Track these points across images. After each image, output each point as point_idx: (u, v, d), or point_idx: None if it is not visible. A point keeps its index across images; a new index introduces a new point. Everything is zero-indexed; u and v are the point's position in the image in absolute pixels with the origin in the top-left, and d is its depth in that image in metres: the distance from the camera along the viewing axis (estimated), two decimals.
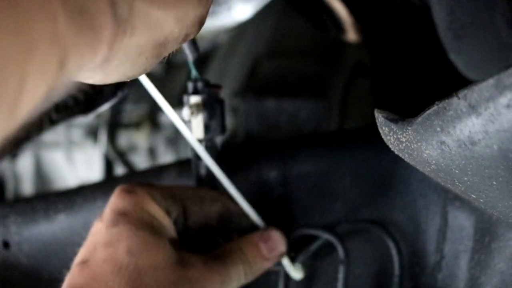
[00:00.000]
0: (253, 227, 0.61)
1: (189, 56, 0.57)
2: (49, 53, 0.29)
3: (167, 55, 0.44)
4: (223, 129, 0.60)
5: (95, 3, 0.34)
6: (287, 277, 0.61)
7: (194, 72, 0.58)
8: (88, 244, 0.53)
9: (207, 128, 0.59)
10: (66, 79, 0.32)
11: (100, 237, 0.52)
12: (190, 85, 0.59)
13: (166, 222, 0.55)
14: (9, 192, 1.26)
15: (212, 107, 0.59)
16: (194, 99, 0.58)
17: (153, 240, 0.52)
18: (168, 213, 0.55)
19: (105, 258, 0.51)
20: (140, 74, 0.43)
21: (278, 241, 0.59)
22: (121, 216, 0.53)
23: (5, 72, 0.26)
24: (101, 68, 0.38)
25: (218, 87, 0.60)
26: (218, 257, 0.56)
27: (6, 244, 0.71)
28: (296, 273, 0.60)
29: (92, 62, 0.36)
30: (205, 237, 0.61)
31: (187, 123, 0.59)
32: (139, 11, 0.38)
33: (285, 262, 0.60)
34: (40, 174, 1.24)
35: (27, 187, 1.25)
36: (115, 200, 0.54)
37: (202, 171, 0.61)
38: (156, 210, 0.54)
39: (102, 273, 0.50)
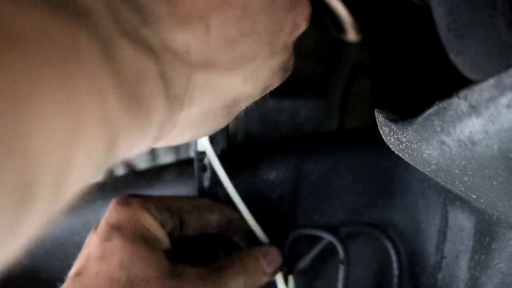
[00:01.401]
0: (253, 235, 0.61)
1: None
2: (97, 136, 0.28)
3: (242, 109, 0.42)
4: (228, 141, 0.61)
5: (148, 86, 0.32)
6: (286, 279, 0.61)
7: None
8: (82, 257, 0.54)
9: (212, 139, 0.59)
10: (116, 159, 0.31)
11: (94, 250, 0.53)
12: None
13: (160, 234, 0.55)
14: None
15: None
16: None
17: (145, 253, 0.53)
18: (162, 225, 0.56)
19: (97, 271, 0.51)
20: (210, 133, 0.42)
21: (275, 256, 0.60)
22: (115, 229, 0.54)
23: (50, 154, 0.25)
24: (160, 139, 0.36)
25: None
26: (215, 269, 0.56)
27: None
28: (284, 286, 0.61)
29: (144, 141, 0.34)
30: (205, 248, 0.61)
31: None
32: (198, 82, 0.36)
33: (278, 275, 0.61)
34: None
35: None
36: (110, 213, 0.55)
37: (206, 183, 0.61)
38: (150, 223, 0.55)
39: (94, 286, 0.50)
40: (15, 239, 0.25)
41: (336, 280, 0.59)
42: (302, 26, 0.43)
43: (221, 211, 0.60)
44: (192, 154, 0.63)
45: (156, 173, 0.69)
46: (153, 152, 1.14)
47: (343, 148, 0.65)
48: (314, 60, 0.95)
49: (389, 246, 0.60)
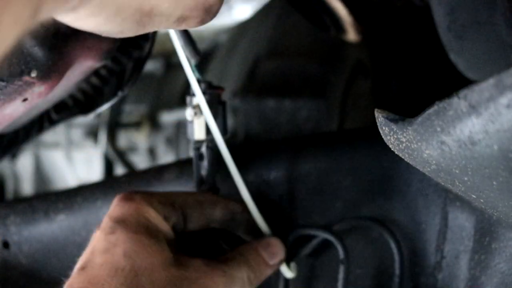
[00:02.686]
0: (256, 228, 0.61)
1: (190, 59, 0.58)
2: (23, 3, 0.30)
3: (152, 30, 0.42)
4: (225, 130, 0.61)
5: None
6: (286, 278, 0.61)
7: (196, 74, 0.59)
8: (87, 251, 0.54)
9: (209, 128, 0.59)
10: (38, 23, 0.33)
11: (98, 244, 0.53)
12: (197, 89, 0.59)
13: (164, 227, 0.55)
14: (9, 192, 1.26)
15: (214, 108, 0.59)
16: (197, 99, 0.59)
17: (149, 243, 0.53)
18: (166, 218, 0.56)
19: (102, 262, 0.51)
20: (115, 34, 0.41)
21: (278, 247, 0.60)
22: (119, 223, 0.54)
23: None
24: (73, 12, 0.37)
25: (220, 88, 0.61)
26: (221, 260, 0.56)
27: (6, 244, 0.71)
28: (288, 272, 0.61)
29: (63, 7, 0.35)
30: (208, 243, 0.61)
31: (190, 123, 0.60)
32: None
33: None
34: (40, 174, 1.24)
35: (27, 187, 1.25)
36: (114, 208, 0.56)
37: (203, 172, 0.62)
38: (154, 216, 0.55)
39: (98, 277, 0.50)
40: None
41: (336, 280, 0.59)
42: None
43: (224, 206, 0.60)
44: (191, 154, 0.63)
45: (156, 173, 0.69)
46: (153, 152, 1.14)
47: (343, 148, 0.65)
48: (314, 60, 0.95)
49: (393, 245, 0.60)
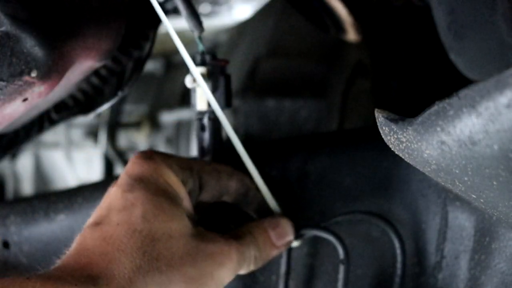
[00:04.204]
0: (267, 209, 0.60)
1: (195, 31, 0.58)
2: None
3: None
4: (227, 102, 0.60)
5: None
6: (288, 273, 0.61)
7: (201, 46, 0.59)
8: (102, 207, 0.52)
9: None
10: None
11: (115, 201, 0.51)
12: (197, 57, 0.59)
13: (182, 192, 0.54)
14: (9, 192, 1.26)
15: (216, 78, 0.59)
16: (199, 69, 0.59)
17: (169, 208, 0.51)
18: (184, 183, 0.54)
19: (118, 221, 0.50)
20: None
21: (286, 228, 0.59)
22: (137, 181, 0.52)
23: None
24: None
25: (224, 61, 0.61)
26: (234, 236, 0.55)
27: (6, 244, 0.71)
28: (294, 243, 0.60)
29: None
30: (217, 219, 0.60)
31: (193, 92, 0.60)
32: None
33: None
34: (40, 174, 1.24)
35: (27, 187, 1.25)
36: (132, 166, 0.54)
37: (205, 144, 0.61)
38: (173, 179, 0.54)
39: (114, 236, 0.49)
40: None
41: (336, 280, 0.59)
42: None
43: (240, 179, 0.59)
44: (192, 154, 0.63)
45: None
46: None
47: (343, 148, 0.65)
48: (314, 59, 0.95)
49: (396, 243, 0.60)
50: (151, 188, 0.52)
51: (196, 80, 0.58)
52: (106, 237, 0.49)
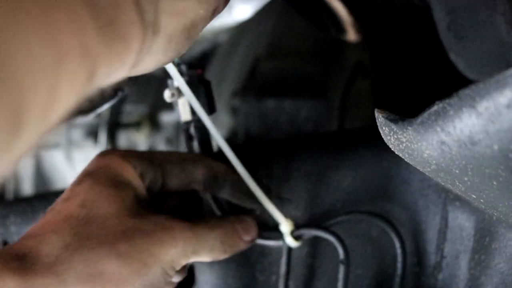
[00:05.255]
0: (240, 190, 0.61)
1: None
2: (79, 65, 0.30)
3: (199, 34, 0.45)
4: (211, 109, 0.61)
5: (124, 13, 0.34)
6: (288, 273, 0.61)
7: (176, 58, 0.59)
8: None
9: (193, 108, 0.60)
10: (96, 86, 0.34)
11: (64, 194, 0.54)
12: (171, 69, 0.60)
13: (137, 183, 0.55)
14: (9, 192, 1.26)
15: (195, 88, 0.60)
16: (176, 81, 0.59)
17: (110, 194, 0.53)
18: (142, 176, 0.56)
19: (60, 209, 0.53)
20: (174, 57, 0.45)
21: (251, 225, 0.59)
22: (87, 175, 0.55)
23: (37, 81, 0.27)
24: (134, 66, 0.39)
25: (199, 68, 0.61)
26: (192, 221, 0.55)
27: (6, 244, 0.71)
28: (294, 243, 0.61)
29: (121, 69, 0.37)
30: (191, 208, 0.61)
31: (175, 105, 0.61)
32: (164, 8, 0.39)
33: (284, 229, 0.61)
34: (40, 174, 1.24)
35: (27, 187, 1.25)
36: (90, 163, 0.57)
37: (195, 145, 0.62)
38: (129, 172, 0.55)
39: (51, 221, 0.52)
40: (8, 159, 0.28)
41: (336, 280, 0.59)
42: None
43: (205, 164, 0.60)
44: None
45: None
46: None
47: (343, 148, 0.65)
48: (314, 60, 0.95)
49: (396, 243, 0.60)
50: (99, 179, 0.54)
51: (182, 91, 0.58)
52: (45, 224, 0.52)
